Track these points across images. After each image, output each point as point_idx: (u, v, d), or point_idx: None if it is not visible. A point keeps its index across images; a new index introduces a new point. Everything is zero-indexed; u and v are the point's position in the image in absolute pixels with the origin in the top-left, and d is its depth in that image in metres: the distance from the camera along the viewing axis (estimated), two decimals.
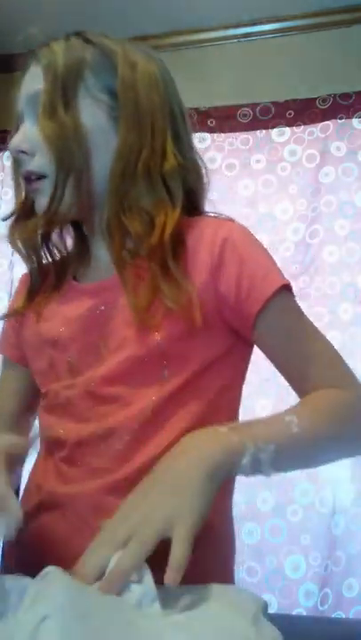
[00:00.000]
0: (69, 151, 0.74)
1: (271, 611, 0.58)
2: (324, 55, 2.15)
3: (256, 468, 0.62)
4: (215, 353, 0.76)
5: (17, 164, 0.79)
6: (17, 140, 0.77)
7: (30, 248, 0.83)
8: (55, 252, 0.86)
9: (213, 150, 2.14)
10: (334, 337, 1.93)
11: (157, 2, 2.10)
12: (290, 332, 0.76)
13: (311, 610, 1.82)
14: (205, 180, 0.85)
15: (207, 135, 2.15)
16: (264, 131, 2.12)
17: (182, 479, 0.58)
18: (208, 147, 2.15)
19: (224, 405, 0.78)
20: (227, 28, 2.23)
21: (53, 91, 0.75)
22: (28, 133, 0.77)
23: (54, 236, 0.86)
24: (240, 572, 1.89)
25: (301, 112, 2.09)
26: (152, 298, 0.72)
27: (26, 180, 0.78)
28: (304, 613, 1.82)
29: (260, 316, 0.74)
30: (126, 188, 0.75)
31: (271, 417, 0.70)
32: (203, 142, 2.15)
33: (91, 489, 0.73)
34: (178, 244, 0.75)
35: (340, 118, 2.05)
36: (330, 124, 2.06)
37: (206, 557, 0.71)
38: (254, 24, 2.22)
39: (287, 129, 2.10)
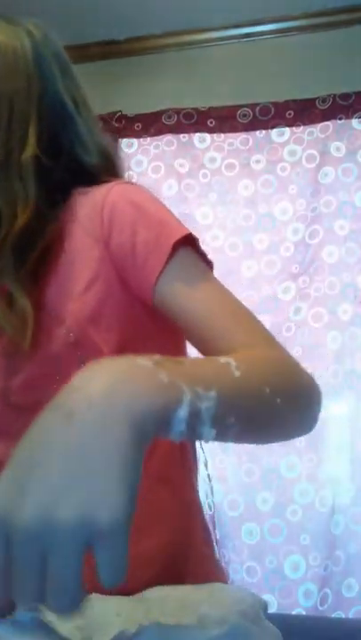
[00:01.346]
0: None
1: (271, 611, 0.58)
2: (324, 55, 2.15)
3: (193, 427, 0.42)
4: (132, 332, 0.69)
5: None
6: None
7: None
8: None
9: (213, 150, 2.14)
10: (334, 337, 1.94)
11: (158, 2, 2.10)
12: (190, 294, 0.65)
13: (311, 610, 1.83)
14: (116, 165, 0.79)
15: (207, 135, 2.15)
16: (264, 131, 2.12)
17: (93, 441, 0.36)
18: (208, 147, 2.15)
19: None
20: (227, 28, 2.23)
21: None
22: None
23: None
24: (240, 572, 1.90)
25: (301, 112, 2.09)
26: None
27: None
28: (304, 613, 1.82)
29: (158, 282, 0.66)
30: None
31: (200, 358, 0.55)
32: (202, 142, 2.15)
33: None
34: (31, 243, 0.67)
35: (340, 119, 2.05)
36: (329, 125, 2.06)
37: (176, 556, 0.65)
38: (254, 24, 2.21)
39: (287, 129, 2.11)
